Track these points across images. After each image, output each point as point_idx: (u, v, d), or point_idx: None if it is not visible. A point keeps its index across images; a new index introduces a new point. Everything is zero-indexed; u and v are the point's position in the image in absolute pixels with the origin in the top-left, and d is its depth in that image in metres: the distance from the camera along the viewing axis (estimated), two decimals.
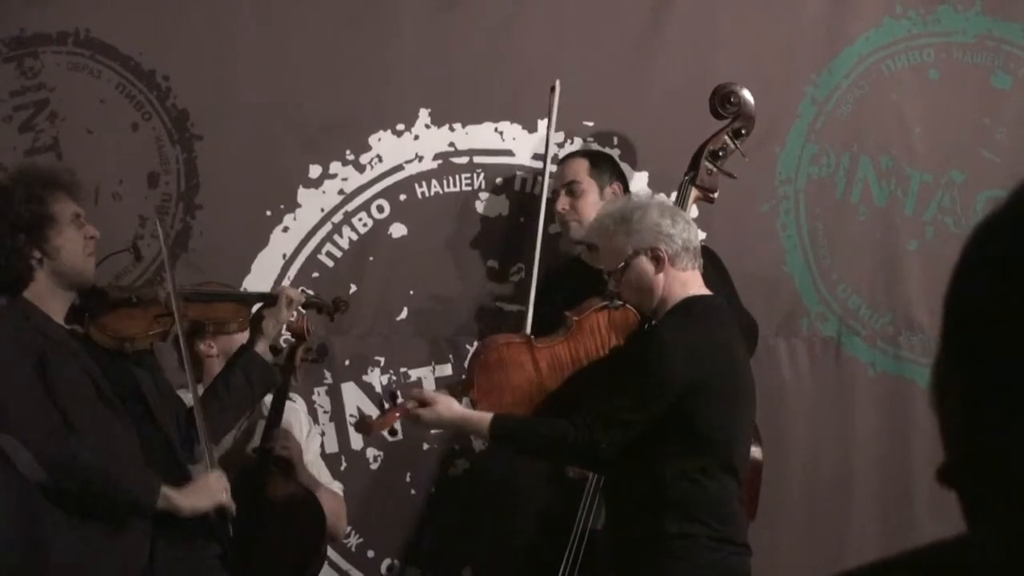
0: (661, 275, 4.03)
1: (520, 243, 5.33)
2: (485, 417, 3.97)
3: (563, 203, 5.07)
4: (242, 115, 5.25)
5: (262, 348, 4.31)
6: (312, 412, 5.20)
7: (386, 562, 5.32)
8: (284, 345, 4.60)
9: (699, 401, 3.90)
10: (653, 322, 4.11)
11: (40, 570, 3.95)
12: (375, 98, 5.32)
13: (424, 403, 3.99)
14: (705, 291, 4.11)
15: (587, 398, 4.04)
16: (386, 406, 4.06)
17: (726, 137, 4.93)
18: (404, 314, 5.34)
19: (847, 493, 5.45)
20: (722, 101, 4.95)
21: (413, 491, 5.35)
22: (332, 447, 5.27)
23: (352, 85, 5.30)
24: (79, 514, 3.94)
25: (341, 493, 5.01)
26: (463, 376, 4.26)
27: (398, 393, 4.02)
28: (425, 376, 5.35)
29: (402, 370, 5.34)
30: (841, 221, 5.51)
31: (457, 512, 5.31)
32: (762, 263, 5.42)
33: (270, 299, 4.33)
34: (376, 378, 5.33)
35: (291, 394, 4.79)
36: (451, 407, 3.99)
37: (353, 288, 5.31)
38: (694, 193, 4.87)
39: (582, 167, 5.10)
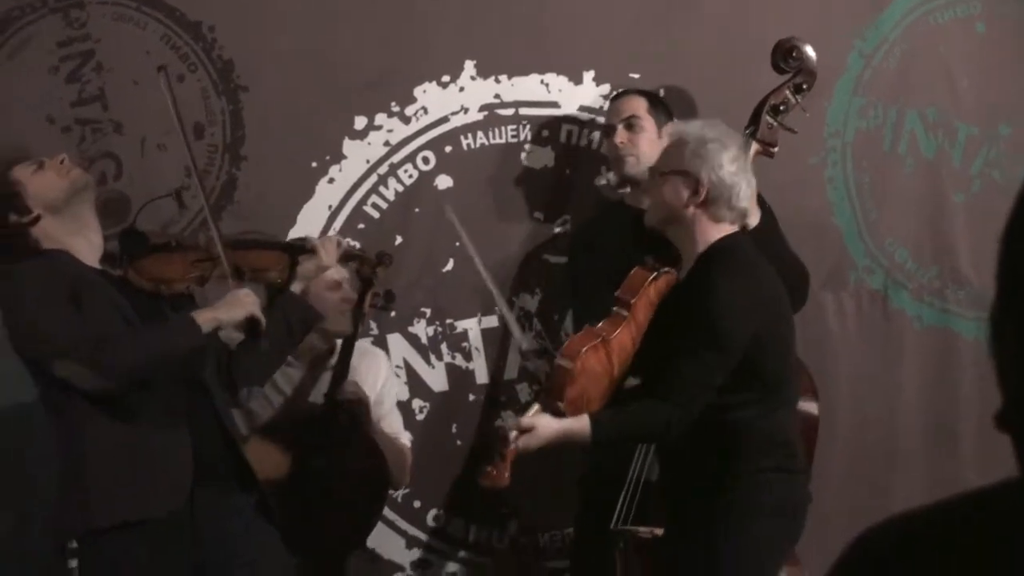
0: (691, 209, 4.04)
1: (566, 195, 5.33)
2: (583, 425, 3.97)
3: (622, 136, 5.01)
4: (288, 66, 5.24)
5: (299, 289, 4.29)
6: None
7: (432, 512, 5.33)
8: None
9: (760, 347, 3.96)
10: (682, 271, 4.14)
11: (82, 508, 3.99)
12: (421, 49, 5.31)
13: (524, 430, 4.00)
14: (731, 230, 4.13)
15: (654, 368, 4.07)
16: (499, 450, 4.06)
17: (787, 92, 4.91)
18: (450, 265, 5.33)
19: (893, 445, 5.46)
20: (784, 55, 4.93)
21: (459, 442, 5.35)
22: None
23: (398, 36, 5.29)
24: (122, 453, 3.98)
25: (408, 444, 5.02)
26: (545, 386, 4.26)
27: (508, 434, 4.01)
28: (471, 327, 5.35)
29: (448, 321, 5.34)
30: (888, 174, 5.50)
31: None
32: (810, 216, 5.41)
33: (310, 249, 4.32)
34: (422, 329, 5.33)
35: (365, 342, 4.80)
36: (549, 426, 3.98)
37: (399, 240, 5.30)
38: (754, 147, 4.86)
39: (641, 104, 5.06)
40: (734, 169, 4.06)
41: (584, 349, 4.10)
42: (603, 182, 5.33)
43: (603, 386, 4.12)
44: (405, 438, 5.02)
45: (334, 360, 4.78)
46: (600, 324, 4.19)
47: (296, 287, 4.28)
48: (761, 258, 4.15)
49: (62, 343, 3.91)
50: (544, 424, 3.99)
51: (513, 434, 3.98)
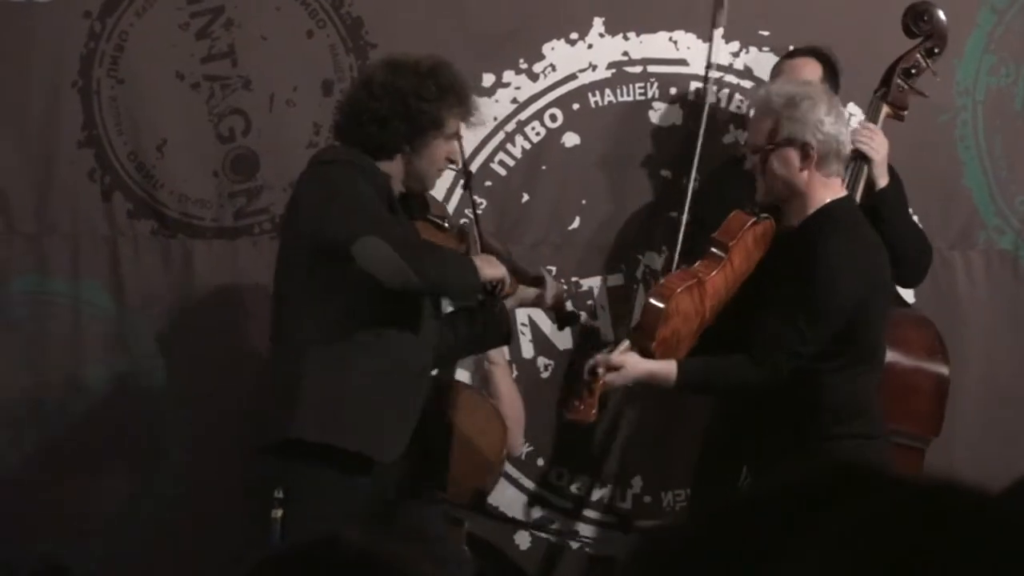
0: (805, 173, 4.07)
1: (693, 153, 5.30)
2: (670, 369, 4.05)
3: None
4: (416, 23, 5.24)
5: (511, 305, 4.47)
6: None
7: (556, 470, 5.33)
8: None
9: (859, 317, 4.04)
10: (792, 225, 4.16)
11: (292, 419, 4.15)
12: (549, 7, 5.29)
13: (612, 368, 4.06)
14: (842, 192, 4.18)
15: (748, 319, 4.11)
16: (587, 383, 4.13)
17: (919, 55, 4.87)
18: (576, 223, 5.32)
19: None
20: (915, 19, 4.88)
21: None
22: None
23: None
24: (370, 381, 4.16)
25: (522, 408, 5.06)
26: (637, 324, 4.31)
27: (597, 369, 4.05)
28: (595, 285, 5.34)
29: (573, 279, 5.33)
30: (1020, 132, 5.43)
31: (627, 421, 5.31)
32: (939, 174, 5.36)
33: (539, 282, 4.49)
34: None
35: None
36: (637, 366, 4.08)
37: (526, 197, 5.30)
38: (885, 110, 4.84)
39: (817, 71, 4.92)
40: (833, 119, 4.11)
41: (679, 290, 4.13)
42: (731, 140, 5.29)
43: (693, 327, 4.17)
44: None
45: None
46: (696, 264, 4.22)
47: (509, 303, 4.44)
48: (867, 224, 4.21)
49: (374, 217, 4.09)
50: (632, 363, 4.06)
51: (601, 370, 4.03)
